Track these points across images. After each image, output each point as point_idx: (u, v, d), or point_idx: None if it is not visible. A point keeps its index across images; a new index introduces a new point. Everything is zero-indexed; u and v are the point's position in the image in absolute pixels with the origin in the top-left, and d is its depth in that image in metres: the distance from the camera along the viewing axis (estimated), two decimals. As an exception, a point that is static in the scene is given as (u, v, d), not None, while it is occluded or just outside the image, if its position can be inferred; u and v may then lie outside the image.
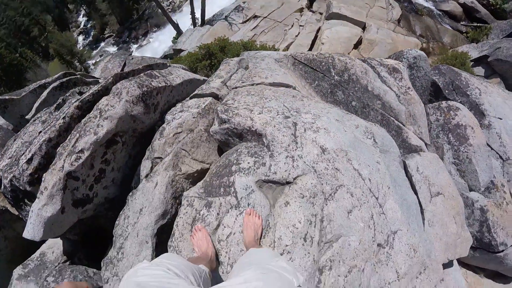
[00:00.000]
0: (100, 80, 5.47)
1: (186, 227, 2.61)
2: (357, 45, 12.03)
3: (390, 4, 15.65)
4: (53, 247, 3.57)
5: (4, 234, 3.76)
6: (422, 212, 3.35)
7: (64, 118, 2.97)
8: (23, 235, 2.66)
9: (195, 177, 3.14)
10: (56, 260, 3.48)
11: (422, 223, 3.26)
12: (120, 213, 3.06)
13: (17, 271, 3.40)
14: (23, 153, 2.93)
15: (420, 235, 3.04)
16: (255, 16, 15.08)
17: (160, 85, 3.36)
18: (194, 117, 3.23)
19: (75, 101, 3.18)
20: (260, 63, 4.34)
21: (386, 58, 5.47)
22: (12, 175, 2.83)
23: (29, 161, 2.79)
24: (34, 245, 3.66)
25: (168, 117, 3.30)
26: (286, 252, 2.40)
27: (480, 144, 4.51)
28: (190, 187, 3.05)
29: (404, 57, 5.53)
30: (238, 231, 2.50)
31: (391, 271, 2.69)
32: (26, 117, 4.83)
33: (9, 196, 2.99)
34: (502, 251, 4.08)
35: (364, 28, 12.97)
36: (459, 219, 3.58)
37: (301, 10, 14.84)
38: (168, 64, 4.61)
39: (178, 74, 3.89)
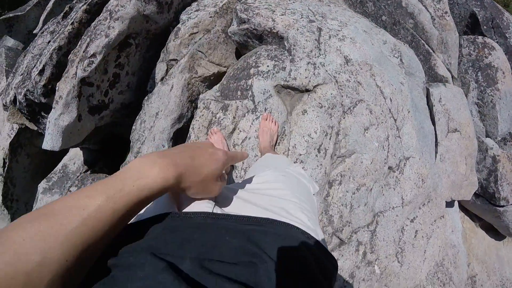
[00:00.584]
0: None
1: (202, 130, 2.55)
2: None
3: None
4: (74, 158, 3.61)
5: (26, 151, 3.82)
6: (436, 145, 3.23)
7: (72, 24, 2.84)
8: (42, 147, 2.67)
9: (212, 81, 3.03)
10: (77, 170, 3.55)
11: (434, 156, 3.15)
12: (136, 118, 3.03)
13: (42, 185, 3.47)
14: (34, 66, 2.86)
15: (430, 166, 2.94)
16: None
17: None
18: (211, 17, 3.02)
19: (82, 5, 3.01)
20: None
21: None
22: (26, 89, 2.79)
23: (41, 72, 2.72)
24: (56, 159, 3.73)
25: (183, 16, 3.10)
26: (299, 162, 2.35)
27: (507, 92, 4.20)
28: (206, 91, 2.95)
29: (447, -23, 5.06)
30: (254, 136, 2.44)
31: (397, 197, 2.63)
32: (34, 31, 4.67)
33: (25, 112, 2.97)
34: (502, 206, 3.96)
35: None
36: (470, 161, 3.46)
37: None
38: None
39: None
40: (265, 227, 0.59)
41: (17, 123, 3.27)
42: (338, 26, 2.90)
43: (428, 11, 4.01)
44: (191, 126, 2.62)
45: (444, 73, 3.87)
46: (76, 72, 2.61)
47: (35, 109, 2.95)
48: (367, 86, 2.66)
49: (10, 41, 5.25)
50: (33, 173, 3.97)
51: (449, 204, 3.38)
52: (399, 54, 3.17)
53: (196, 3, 3.27)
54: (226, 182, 1.94)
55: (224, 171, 0.66)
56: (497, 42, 4.70)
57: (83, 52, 2.65)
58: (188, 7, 3.24)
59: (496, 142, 4.14)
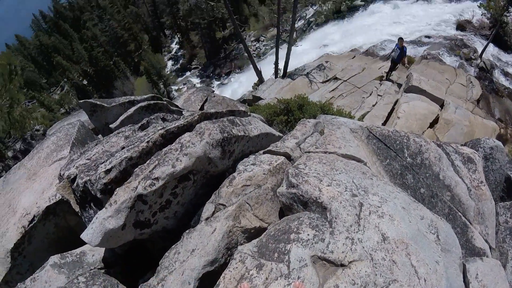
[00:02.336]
0: (184, 112, 5.83)
1: (232, 282, 2.63)
2: (433, 124, 11.63)
3: (471, 82, 15.05)
4: (95, 251, 3.69)
5: (56, 221, 3.94)
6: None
7: (148, 142, 3.21)
8: (81, 236, 2.83)
9: (252, 233, 3.20)
10: (93, 263, 3.59)
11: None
12: (172, 246, 3.15)
13: (54, 258, 3.51)
14: (103, 162, 3.15)
15: None
16: (336, 78, 15.33)
17: (239, 134, 3.54)
18: (264, 173, 3.34)
19: (160, 129, 3.42)
20: (335, 131, 4.40)
21: (462, 145, 5.31)
22: (88, 178, 3.04)
23: (107, 171, 3.00)
24: (78, 240, 3.87)
25: (240, 167, 3.45)
26: None
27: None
28: (244, 242, 3.10)
29: (480, 146, 5.26)
30: (281, 301, 2.47)
31: None
32: (110, 125, 5.19)
33: (78, 194, 3.19)
34: None
35: (442, 105, 12.57)
36: None
37: (381, 78, 14.82)
38: (248, 113, 4.84)
39: (257, 126, 4.06)
40: None
41: (63, 196, 3.46)
42: (379, 202, 3.09)
43: (464, 182, 4.16)
44: (222, 274, 2.71)
45: (482, 245, 3.85)
46: (137, 187, 2.86)
47: (87, 198, 3.15)
48: (402, 265, 2.71)
49: (83, 117, 5.77)
50: (51, 242, 4.02)
51: None
52: (435, 230, 3.24)
53: (254, 156, 3.65)
54: None
55: None
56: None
57: (149, 172, 2.94)
58: (246, 158, 3.63)
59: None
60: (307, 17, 30.16)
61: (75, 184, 3.18)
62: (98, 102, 5.43)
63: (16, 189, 4.30)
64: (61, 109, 45.84)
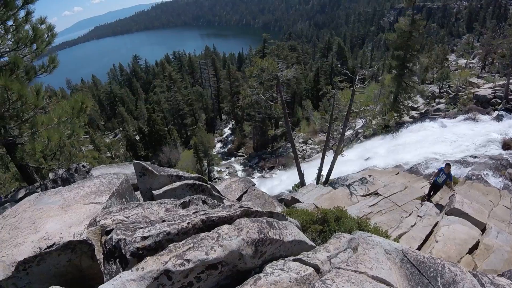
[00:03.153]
0: (224, 201, 5.97)
1: None
2: (472, 249, 10.91)
3: (515, 204, 14.32)
4: None
5: (71, 257, 3.86)
6: None
7: (188, 223, 3.28)
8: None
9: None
10: None
11: None
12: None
13: None
14: (142, 227, 3.18)
15: None
16: (377, 193, 15.09)
17: (274, 237, 3.56)
18: (290, 281, 3.26)
19: (202, 214, 3.51)
20: (369, 250, 4.29)
21: (500, 275, 5.22)
22: (124, 237, 3.02)
23: (143, 238, 3.03)
24: (82, 283, 3.79)
25: (268, 269, 3.39)
26: None
27: None
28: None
29: (516, 279, 5.00)
30: None
31: None
32: (153, 191, 5.40)
33: (106, 248, 3.16)
34: None
35: (483, 230, 11.95)
36: None
37: (423, 198, 14.41)
38: (286, 217, 4.88)
39: (292, 232, 4.06)
40: None
41: (90, 240, 3.41)
42: None
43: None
44: None
45: None
46: (167, 262, 2.85)
47: (115, 253, 3.10)
48: None
49: (128, 170, 5.98)
50: (57, 273, 3.88)
51: None
52: None
53: (283, 261, 3.61)
54: None
55: None
56: None
57: (182, 252, 2.95)
58: (275, 262, 3.57)
59: None
60: (356, 127, 31.08)
61: (108, 237, 3.19)
62: (149, 168, 5.70)
63: (46, 211, 4.41)
64: (108, 152, 48.26)
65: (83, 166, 9.06)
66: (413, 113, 31.84)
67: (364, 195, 15.50)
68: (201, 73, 70.42)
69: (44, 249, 3.66)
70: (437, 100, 33.33)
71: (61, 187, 5.49)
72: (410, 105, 32.24)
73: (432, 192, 14.49)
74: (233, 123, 57.85)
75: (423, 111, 31.75)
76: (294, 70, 26.83)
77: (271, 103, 21.53)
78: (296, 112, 51.97)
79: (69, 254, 3.80)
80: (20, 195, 8.27)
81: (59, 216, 4.24)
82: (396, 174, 19.49)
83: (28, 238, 3.86)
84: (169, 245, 3.06)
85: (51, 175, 8.67)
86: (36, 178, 9.61)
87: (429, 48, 45.52)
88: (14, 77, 7.19)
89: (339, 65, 54.41)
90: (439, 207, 13.69)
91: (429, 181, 14.74)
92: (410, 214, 13.02)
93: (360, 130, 33.00)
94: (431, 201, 14.23)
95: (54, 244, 3.71)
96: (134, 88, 78.47)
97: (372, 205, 14.07)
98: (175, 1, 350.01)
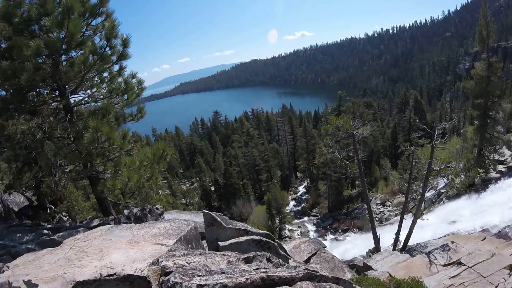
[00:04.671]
0: (290, 261, 5.76)
1: None
2: None
3: None
4: None
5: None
6: None
7: (247, 279, 3.09)
8: None
9: None
10: None
11: None
12: None
13: None
14: (200, 275, 3.10)
15: None
16: (459, 263, 13.35)
17: (336, 307, 3.22)
18: None
19: (263, 271, 3.31)
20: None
21: None
22: (181, 281, 2.99)
23: (199, 286, 2.91)
24: None
25: None
26: None
27: None
28: None
29: None
30: None
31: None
32: (219, 243, 5.45)
33: (163, 287, 3.16)
34: None
35: None
36: None
37: (511, 267, 12.50)
38: (354, 286, 4.45)
39: (358, 302, 3.66)
40: None
41: (149, 277, 3.48)
42: None
43: None
44: None
45: None
46: None
47: None
48: None
49: (199, 219, 6.07)
50: None
51: None
52: None
53: None
54: None
55: None
56: None
57: None
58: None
59: None
60: (438, 187, 28.65)
61: (166, 278, 3.20)
62: (218, 219, 5.89)
63: (114, 243, 4.58)
64: (183, 199, 50.06)
65: (157, 209, 9.44)
66: (500, 167, 28.39)
67: (445, 265, 13.85)
68: (277, 131, 72.04)
69: (104, 276, 3.75)
70: (526, 150, 29.64)
71: (133, 224, 5.72)
72: (496, 158, 29.03)
73: None
74: (308, 181, 57.23)
75: (510, 164, 28.47)
76: (370, 127, 26.18)
77: (347, 162, 21.00)
78: (373, 172, 49.99)
79: (126, 286, 3.86)
80: (94, 224, 8.85)
81: (125, 250, 4.35)
82: (482, 240, 17.25)
83: (92, 263, 3.99)
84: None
85: (126, 212, 9.15)
86: (112, 212, 10.24)
87: (511, 92, 41.39)
88: (105, 121, 7.88)
89: (417, 120, 52.13)
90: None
91: None
92: (496, 287, 11.32)
93: (442, 190, 30.37)
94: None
95: (115, 273, 3.78)
96: (213, 141, 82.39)
97: (454, 277, 12.45)
98: (254, 61, 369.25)
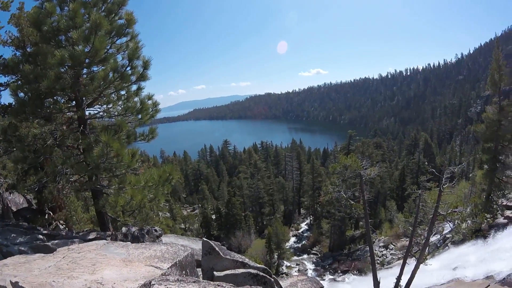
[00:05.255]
0: None
1: None
2: None
3: None
4: None
5: None
6: None
7: None
8: None
9: None
10: None
11: None
12: None
13: None
14: None
15: None
16: None
17: None
18: None
19: None
20: None
21: None
22: None
23: None
24: None
25: None
26: None
27: None
28: None
29: None
30: None
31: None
32: (215, 272, 5.48)
33: None
34: None
35: None
36: None
37: None
38: None
39: None
40: None
41: None
42: None
43: None
44: None
45: None
46: None
47: None
48: None
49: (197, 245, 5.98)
50: None
51: None
52: None
53: None
54: None
55: None
56: None
57: None
58: None
59: None
60: (443, 232, 27.91)
61: None
62: (216, 248, 5.93)
63: (108, 259, 4.56)
64: (182, 224, 49.57)
65: (155, 230, 9.39)
66: (508, 212, 27.45)
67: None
68: (285, 165, 71.85)
69: None
70: (534, 196, 28.90)
71: (129, 242, 5.71)
72: (504, 203, 28.31)
73: None
74: (311, 218, 56.49)
75: None
76: (379, 168, 25.93)
77: (353, 202, 20.72)
78: (379, 213, 49.18)
79: None
80: (90, 237, 8.81)
81: (118, 267, 4.31)
82: (486, 287, 16.74)
83: (83, 276, 3.97)
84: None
85: (123, 229, 9.12)
86: (109, 227, 10.17)
87: None
88: (116, 137, 8.01)
89: (426, 163, 51.63)
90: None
91: None
92: None
93: (448, 235, 29.59)
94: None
95: None
96: (220, 170, 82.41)
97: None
98: (268, 95, 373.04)
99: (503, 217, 27.10)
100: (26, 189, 9.26)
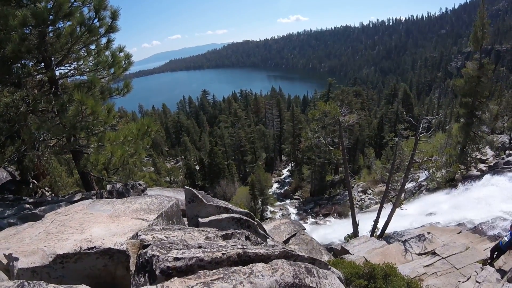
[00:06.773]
0: (268, 240, 5.86)
1: None
2: None
3: None
4: None
5: (107, 263, 3.99)
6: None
7: (223, 254, 3.18)
8: None
9: None
10: None
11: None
12: None
13: None
14: (177, 249, 3.18)
15: None
16: (434, 253, 13.78)
17: (311, 285, 3.27)
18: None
19: (239, 248, 3.40)
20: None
21: None
22: (157, 253, 3.04)
23: (176, 259, 2.97)
24: None
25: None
26: None
27: None
28: None
29: None
30: None
31: None
32: (199, 219, 5.48)
33: (140, 260, 3.22)
34: None
35: None
36: None
37: (484, 261, 12.76)
38: (329, 267, 4.57)
39: (331, 283, 3.72)
40: None
41: (128, 251, 3.53)
42: None
43: None
44: None
45: None
46: (192, 286, 2.74)
47: (146, 267, 3.06)
48: None
49: (180, 196, 6.07)
50: (91, 275, 4.03)
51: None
52: None
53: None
54: None
55: None
56: None
57: (210, 280, 2.79)
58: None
59: None
60: (419, 180, 29.28)
61: (144, 251, 3.24)
62: (199, 195, 5.92)
63: (95, 217, 4.64)
64: (167, 177, 50.18)
65: (140, 185, 9.47)
66: (481, 166, 29.13)
67: (420, 254, 14.27)
68: (265, 113, 71.91)
69: (84, 250, 3.83)
70: (507, 152, 30.34)
71: (114, 199, 5.75)
72: (478, 157, 29.73)
73: (495, 255, 13.01)
74: (292, 165, 57.68)
75: (492, 164, 28.99)
76: (357, 115, 26.32)
77: (332, 148, 21.19)
78: (357, 160, 50.65)
79: (106, 260, 3.92)
80: (76, 198, 8.88)
81: (106, 224, 4.42)
82: (458, 233, 17.84)
83: (73, 236, 4.06)
84: (199, 271, 2.98)
85: (108, 187, 9.18)
86: (94, 187, 10.23)
87: (499, 95, 41.95)
88: (90, 94, 7.82)
89: (404, 112, 52.71)
90: (502, 272, 12.18)
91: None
92: (468, 279, 11.68)
93: (423, 183, 31.00)
94: (493, 266, 12.72)
95: (94, 247, 3.85)
96: (200, 120, 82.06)
97: (427, 265, 12.84)
98: (246, 42, 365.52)
99: (476, 170, 28.43)
100: (6, 161, 9.02)
